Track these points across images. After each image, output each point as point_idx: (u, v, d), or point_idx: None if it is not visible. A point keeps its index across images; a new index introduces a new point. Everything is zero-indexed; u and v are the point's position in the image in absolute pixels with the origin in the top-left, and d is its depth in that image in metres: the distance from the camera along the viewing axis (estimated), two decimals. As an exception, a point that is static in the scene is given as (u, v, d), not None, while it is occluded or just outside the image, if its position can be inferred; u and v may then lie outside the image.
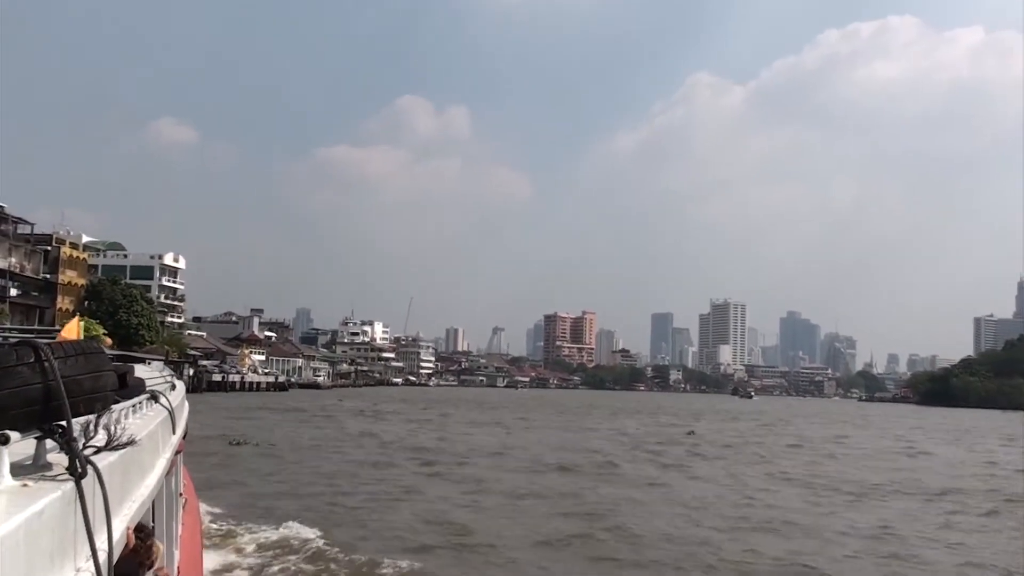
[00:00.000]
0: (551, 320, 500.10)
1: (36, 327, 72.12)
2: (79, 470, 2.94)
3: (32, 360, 3.05)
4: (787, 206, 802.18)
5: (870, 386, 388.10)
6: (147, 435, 4.98)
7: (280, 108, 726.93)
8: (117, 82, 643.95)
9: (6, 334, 12.95)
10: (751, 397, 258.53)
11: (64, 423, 3.05)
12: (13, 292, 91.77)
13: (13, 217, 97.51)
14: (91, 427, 3.30)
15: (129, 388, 5.32)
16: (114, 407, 4.39)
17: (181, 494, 10.89)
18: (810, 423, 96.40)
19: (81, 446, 3.07)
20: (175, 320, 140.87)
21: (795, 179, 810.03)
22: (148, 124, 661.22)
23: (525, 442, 49.92)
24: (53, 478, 3.05)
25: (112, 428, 3.52)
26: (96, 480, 3.05)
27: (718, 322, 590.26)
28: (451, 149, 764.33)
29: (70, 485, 2.94)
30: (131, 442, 3.59)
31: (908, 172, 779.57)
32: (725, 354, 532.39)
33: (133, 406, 5.37)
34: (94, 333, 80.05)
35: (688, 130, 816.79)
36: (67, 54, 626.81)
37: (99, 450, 3.23)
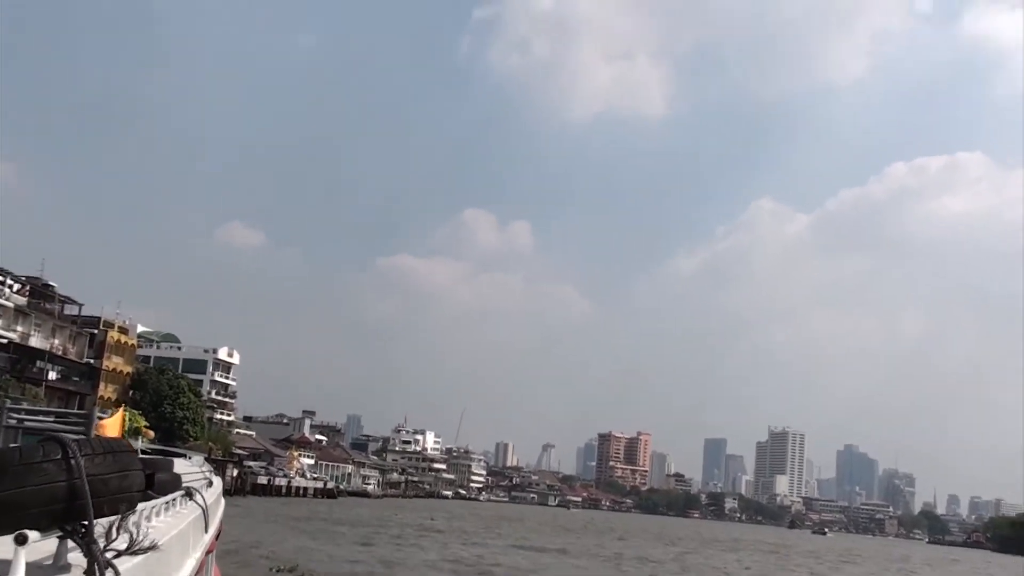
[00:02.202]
0: (605, 439, 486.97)
1: (71, 411, 64.96)
2: (97, 574, 2.91)
3: (59, 457, 3.00)
4: (850, 336, 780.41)
5: (933, 527, 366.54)
6: (177, 534, 4.80)
7: (346, 216, 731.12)
8: (188, 185, 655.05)
9: (39, 419, 13.22)
10: (824, 533, 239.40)
11: (86, 523, 3.00)
12: (52, 375, 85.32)
13: (61, 296, 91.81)
14: (114, 529, 3.24)
15: (159, 486, 4.91)
16: (147, 503, 4.40)
17: None
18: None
19: (102, 548, 3.01)
20: (224, 417, 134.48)
21: (860, 310, 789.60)
22: (217, 227, 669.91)
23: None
24: None
25: (135, 531, 3.46)
26: None
27: (775, 451, 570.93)
28: (512, 263, 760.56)
29: None
30: (153, 547, 3.48)
31: (977, 307, 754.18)
32: (782, 484, 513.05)
33: (166, 503, 5.20)
34: (135, 424, 72.35)
35: (751, 255, 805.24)
36: (139, 152, 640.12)
37: (119, 554, 3.16)
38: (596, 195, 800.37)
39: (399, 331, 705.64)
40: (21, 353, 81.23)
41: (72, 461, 2.99)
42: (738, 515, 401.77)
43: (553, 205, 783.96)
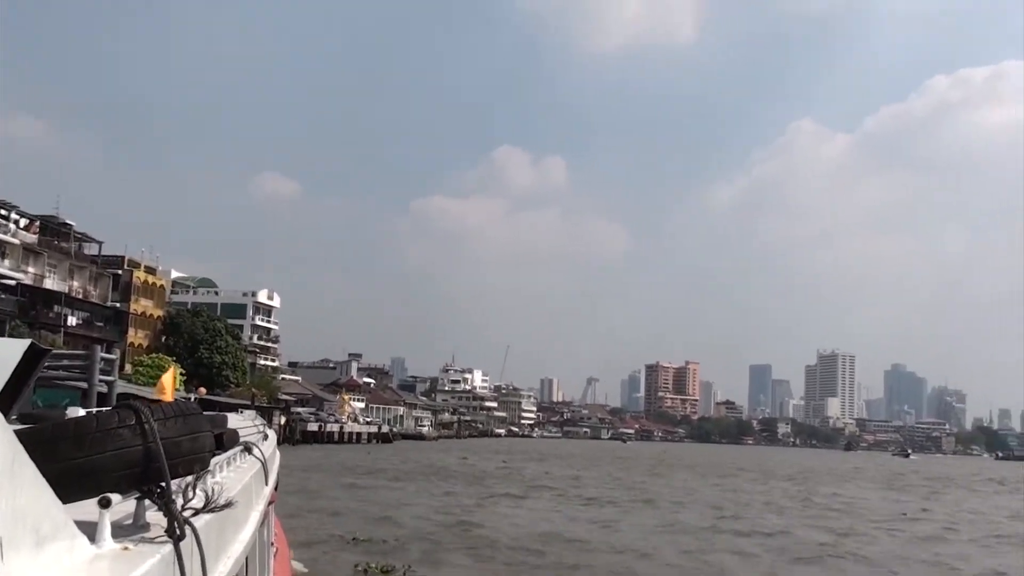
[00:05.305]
0: (653, 370, 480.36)
1: (68, 352, 55.72)
2: (177, 532, 2.99)
3: (132, 422, 3.12)
4: (893, 257, 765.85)
5: (991, 443, 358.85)
6: (241, 489, 4.85)
7: (380, 163, 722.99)
8: (225, 139, 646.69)
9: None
10: (907, 455, 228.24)
11: (163, 484, 3.13)
12: (72, 321, 76.10)
13: (77, 233, 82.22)
14: (190, 488, 3.37)
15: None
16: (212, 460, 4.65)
17: (272, 543, 9.77)
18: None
19: (180, 508, 3.13)
20: (268, 363, 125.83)
21: (902, 230, 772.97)
22: (252, 178, 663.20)
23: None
24: (152, 540, 3.06)
25: (210, 489, 3.60)
26: (194, 541, 3.10)
27: (825, 374, 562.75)
28: (548, 200, 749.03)
29: (169, 548, 2.96)
30: (229, 504, 3.62)
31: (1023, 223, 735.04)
32: (833, 407, 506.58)
33: (228, 459, 5.29)
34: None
35: (789, 180, 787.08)
36: (176, 107, 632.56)
37: (197, 512, 3.28)
38: (629, 127, 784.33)
39: (438, 272, 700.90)
40: (34, 296, 72.34)
41: (146, 426, 3.05)
42: (792, 440, 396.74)
43: (586, 139, 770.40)
